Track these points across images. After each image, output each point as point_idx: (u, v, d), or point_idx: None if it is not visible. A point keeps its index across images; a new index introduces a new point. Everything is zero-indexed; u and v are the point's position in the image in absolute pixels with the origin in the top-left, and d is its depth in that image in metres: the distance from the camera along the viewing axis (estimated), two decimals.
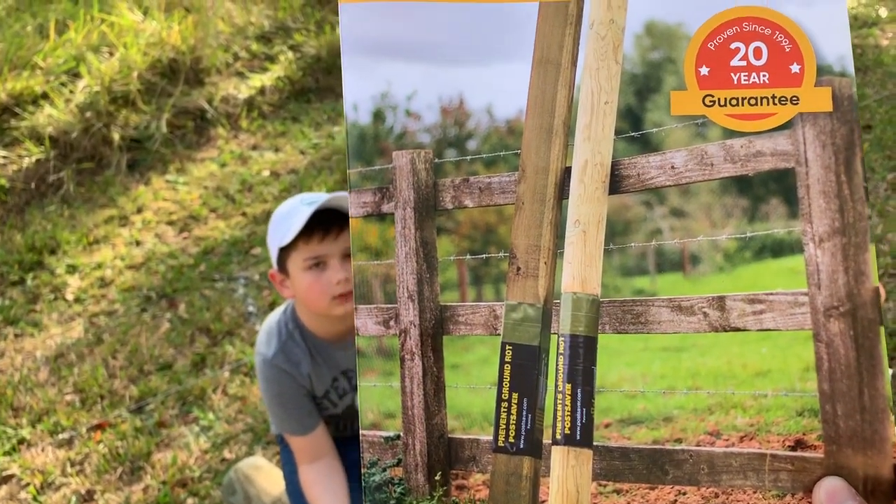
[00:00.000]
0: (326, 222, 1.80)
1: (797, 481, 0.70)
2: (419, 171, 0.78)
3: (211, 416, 2.99)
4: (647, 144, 0.74)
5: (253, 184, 4.70)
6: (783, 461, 0.71)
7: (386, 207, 0.79)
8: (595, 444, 0.73)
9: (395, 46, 0.77)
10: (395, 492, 0.75)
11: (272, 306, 3.55)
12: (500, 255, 0.76)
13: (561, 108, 0.75)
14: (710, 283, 0.74)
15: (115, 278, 3.91)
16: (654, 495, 0.74)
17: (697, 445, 0.73)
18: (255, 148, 5.18)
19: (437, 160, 0.78)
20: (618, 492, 0.74)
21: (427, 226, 0.79)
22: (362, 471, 0.74)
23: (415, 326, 0.78)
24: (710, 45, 0.73)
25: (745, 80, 0.72)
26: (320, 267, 1.81)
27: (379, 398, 0.76)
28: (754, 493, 0.71)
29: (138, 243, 4.17)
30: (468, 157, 0.78)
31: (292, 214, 1.81)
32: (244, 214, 4.40)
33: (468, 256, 0.78)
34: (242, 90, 5.50)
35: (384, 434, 0.76)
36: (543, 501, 0.73)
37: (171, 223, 4.37)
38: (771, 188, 0.72)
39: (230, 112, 5.38)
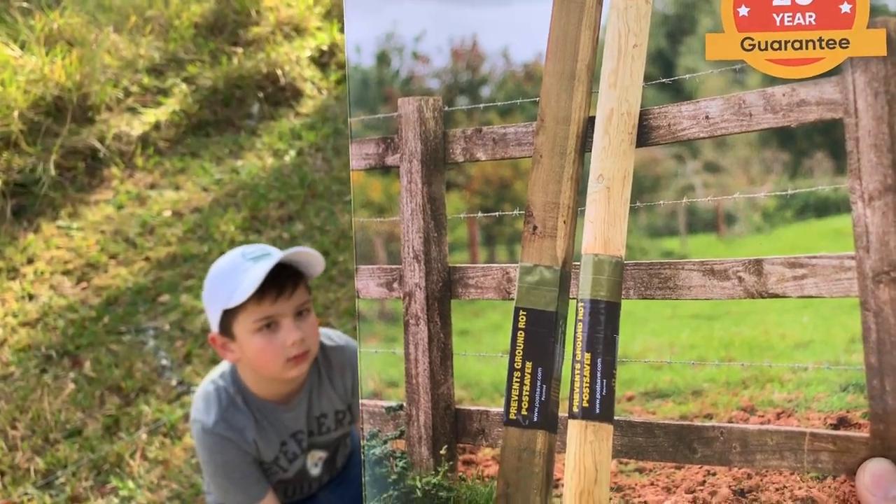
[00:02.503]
0: (280, 280, 1.69)
1: (839, 463, 0.64)
2: (427, 120, 0.72)
3: (131, 484, 2.71)
4: (679, 92, 0.68)
5: (154, 225, 4.37)
6: (824, 441, 0.65)
7: (390, 160, 0.73)
8: (616, 418, 0.67)
9: None
10: (396, 466, 0.68)
11: (187, 358, 3.33)
12: (515, 212, 0.70)
13: (584, 51, 0.69)
14: (746, 244, 0.68)
15: (7, 338, 3.51)
16: (680, 475, 0.68)
17: (729, 422, 0.67)
18: (153, 187, 4.89)
19: (446, 108, 0.72)
20: (640, 471, 0.68)
21: (435, 180, 0.72)
22: (361, 443, 0.68)
23: (420, 289, 0.72)
24: None
25: (788, 21, 0.66)
26: (272, 328, 1.70)
27: (380, 365, 0.69)
28: (791, 474, 0.65)
29: (31, 297, 3.79)
30: (481, 105, 0.72)
31: (237, 272, 1.69)
32: (147, 259, 4.08)
33: (480, 214, 0.72)
34: (136, 126, 5.25)
35: (386, 404, 0.69)
36: (558, 479, 0.67)
37: (67, 273, 3.99)
38: (816, 141, 0.66)
39: (124, 150, 5.07)
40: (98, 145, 4.96)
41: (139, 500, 2.65)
